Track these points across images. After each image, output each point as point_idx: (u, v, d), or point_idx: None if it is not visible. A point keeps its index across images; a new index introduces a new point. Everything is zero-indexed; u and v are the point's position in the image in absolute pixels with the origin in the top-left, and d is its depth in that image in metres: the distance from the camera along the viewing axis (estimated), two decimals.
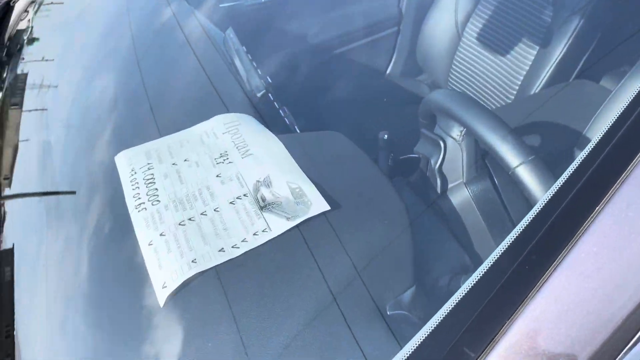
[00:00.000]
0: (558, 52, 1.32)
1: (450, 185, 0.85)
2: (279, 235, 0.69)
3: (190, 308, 0.65)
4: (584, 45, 1.24)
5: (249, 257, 0.67)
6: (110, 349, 0.67)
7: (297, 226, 0.69)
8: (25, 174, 0.97)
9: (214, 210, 0.74)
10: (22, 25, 1.46)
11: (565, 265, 0.48)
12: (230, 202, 0.75)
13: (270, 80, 1.08)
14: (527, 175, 0.69)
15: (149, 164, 0.84)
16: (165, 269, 0.67)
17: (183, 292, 0.64)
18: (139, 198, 0.78)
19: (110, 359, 0.66)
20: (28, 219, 0.90)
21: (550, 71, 1.34)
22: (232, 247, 0.68)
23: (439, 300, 0.51)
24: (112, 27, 1.32)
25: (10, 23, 1.45)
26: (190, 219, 0.73)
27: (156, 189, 0.79)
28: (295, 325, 0.61)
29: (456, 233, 0.81)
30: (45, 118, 1.12)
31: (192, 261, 0.67)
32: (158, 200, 0.77)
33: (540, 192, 0.67)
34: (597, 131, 0.55)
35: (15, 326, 0.70)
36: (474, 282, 0.50)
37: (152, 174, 0.82)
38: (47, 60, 1.37)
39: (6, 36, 1.41)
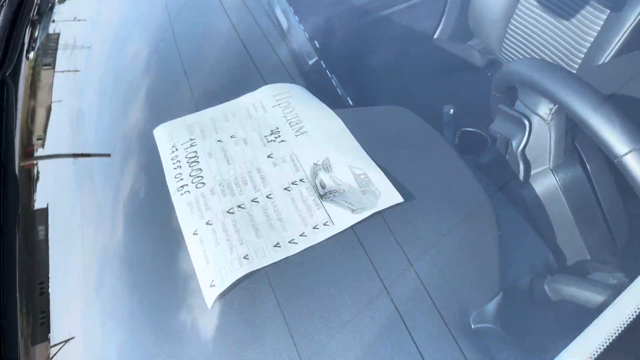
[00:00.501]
0: (633, 16, 1.16)
1: (533, 172, 0.74)
2: (342, 231, 0.59)
3: (233, 307, 0.56)
4: None
5: (307, 254, 0.58)
6: (143, 311, 0.64)
7: (363, 220, 0.59)
8: (59, 135, 0.96)
9: (267, 197, 0.65)
10: None
11: None
12: (285, 188, 0.65)
13: (318, 46, 0.97)
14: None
15: (191, 139, 0.75)
16: (213, 265, 0.59)
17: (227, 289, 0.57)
18: (181, 179, 0.70)
19: (144, 320, 0.63)
20: (62, 179, 0.88)
21: (622, 38, 1.19)
22: (289, 242, 0.59)
23: (528, 310, 0.42)
24: None
25: None
26: (239, 206, 0.64)
27: (200, 169, 0.70)
28: (360, 341, 0.52)
29: (540, 227, 0.70)
30: (78, 80, 1.09)
31: (244, 257, 0.58)
32: (203, 183, 0.68)
33: None
34: None
35: (49, 284, 0.71)
36: None
37: (195, 152, 0.73)
38: (79, 20, 1.30)
39: None
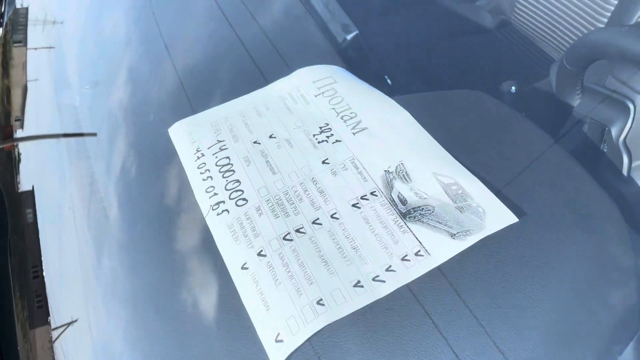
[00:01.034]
0: None
1: (635, 164, 0.61)
2: (442, 263, 0.46)
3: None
4: None
5: (399, 295, 0.45)
6: (143, 290, 0.57)
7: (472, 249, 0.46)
8: (38, 115, 0.92)
9: (331, 217, 0.51)
10: None
11: None
12: (354, 205, 0.51)
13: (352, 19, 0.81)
14: None
15: (219, 142, 0.61)
16: (278, 313, 0.45)
17: None
18: (215, 194, 0.55)
19: (143, 300, 0.56)
20: (46, 161, 0.85)
21: None
22: (374, 279, 0.46)
23: None
24: None
25: None
26: (298, 231, 0.50)
27: (238, 180, 0.56)
28: None
29: None
30: (53, 57, 1.03)
31: (318, 302, 0.45)
32: (244, 199, 0.54)
33: None
34: None
35: (43, 267, 0.68)
36: None
37: (228, 158, 0.58)
38: None
39: None
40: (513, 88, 0.76)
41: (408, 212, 0.50)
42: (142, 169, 0.69)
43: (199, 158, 0.60)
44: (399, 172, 0.53)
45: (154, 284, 0.57)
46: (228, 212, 0.54)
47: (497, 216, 0.47)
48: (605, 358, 0.42)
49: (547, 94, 0.76)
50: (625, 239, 0.46)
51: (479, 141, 0.56)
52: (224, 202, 0.55)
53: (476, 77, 0.82)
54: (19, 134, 0.91)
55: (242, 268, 0.50)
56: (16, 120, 0.93)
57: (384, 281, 0.46)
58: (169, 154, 0.64)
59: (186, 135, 0.64)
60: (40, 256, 0.69)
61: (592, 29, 1.05)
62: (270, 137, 0.61)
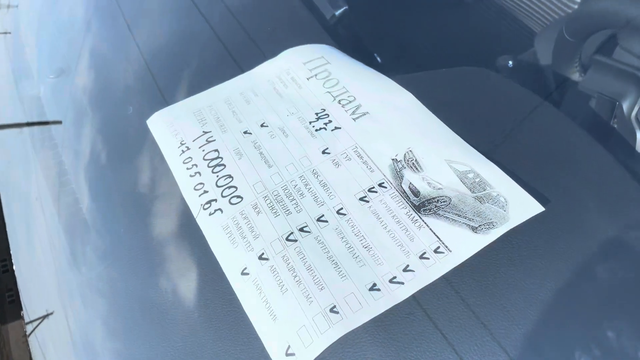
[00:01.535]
0: None
1: None
2: (465, 261, 0.42)
3: None
4: None
5: (421, 298, 0.41)
6: (125, 280, 0.53)
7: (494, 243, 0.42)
8: None
9: (337, 212, 0.46)
10: None
11: None
12: (361, 199, 0.47)
13: None
14: None
15: (205, 133, 0.55)
16: (286, 323, 0.41)
17: None
18: (206, 192, 0.50)
19: (125, 289, 0.52)
20: (9, 152, 0.81)
21: None
22: (391, 281, 0.42)
23: None
24: None
25: None
26: (302, 230, 0.45)
27: (229, 176, 0.50)
28: None
29: None
30: (10, 43, 0.98)
31: (331, 309, 0.40)
32: (239, 197, 0.49)
33: None
34: None
35: (12, 260, 0.66)
36: None
37: (217, 151, 0.53)
38: None
39: None
40: (510, 62, 0.72)
41: (422, 205, 0.45)
42: (117, 162, 0.64)
43: (183, 152, 0.55)
44: (408, 160, 0.49)
45: (140, 292, 0.51)
46: (221, 211, 0.49)
47: (521, 205, 0.43)
48: None
49: (545, 68, 0.72)
50: None
51: (489, 122, 0.51)
52: (215, 200, 0.50)
53: (468, 52, 0.77)
54: None
55: (242, 274, 0.45)
56: None
57: (402, 283, 0.41)
58: (149, 148, 0.58)
59: (167, 127, 0.58)
60: (8, 249, 0.65)
61: None
62: (262, 126, 0.55)
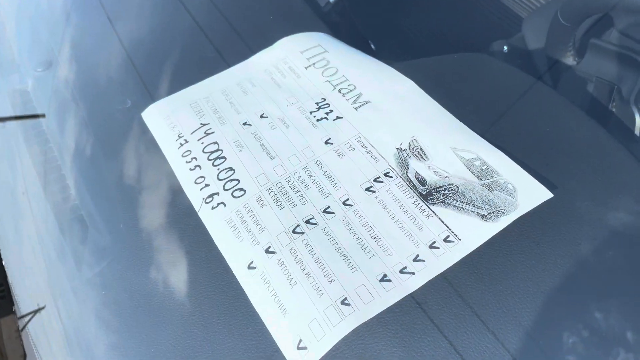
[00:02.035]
0: None
1: None
2: (475, 249, 0.42)
3: None
4: None
5: (432, 287, 0.41)
6: (116, 273, 0.52)
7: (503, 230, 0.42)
8: None
9: (344, 203, 0.46)
10: None
11: None
12: (367, 189, 0.46)
13: None
14: None
15: (204, 125, 0.54)
16: (297, 316, 0.40)
17: None
18: (207, 185, 0.49)
19: (117, 282, 0.51)
20: None
21: None
22: (401, 271, 0.41)
23: None
24: None
25: None
26: (308, 222, 0.45)
27: (231, 168, 0.49)
28: None
29: None
30: None
31: (342, 302, 0.40)
32: (242, 190, 0.48)
33: None
34: None
35: (2, 255, 0.64)
36: None
37: (216, 143, 0.52)
38: None
39: None
40: (505, 48, 0.72)
41: (429, 194, 0.45)
42: (111, 156, 0.62)
43: (182, 145, 0.54)
44: (413, 149, 0.48)
45: (143, 288, 0.50)
46: (224, 205, 0.48)
47: (529, 192, 0.43)
48: None
49: (540, 52, 0.72)
50: None
51: (491, 109, 0.51)
52: (218, 193, 0.49)
53: (464, 38, 0.77)
54: None
55: (249, 268, 0.44)
56: None
57: (413, 273, 0.41)
58: (145, 141, 0.57)
59: (163, 120, 0.57)
60: None
61: None
62: (262, 116, 0.54)
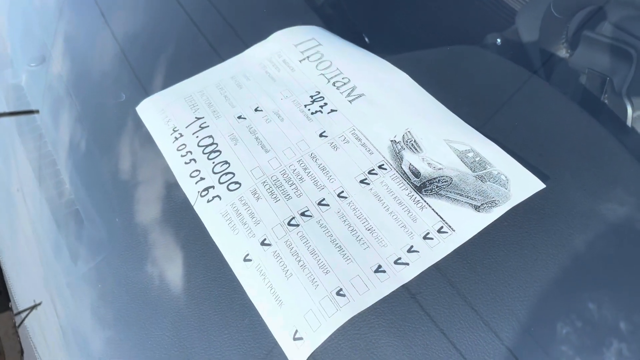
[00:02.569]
0: None
1: (636, 114, 0.59)
2: (469, 240, 0.42)
3: None
4: None
5: (425, 278, 0.41)
6: (112, 267, 0.52)
7: (496, 221, 0.42)
8: None
9: (338, 196, 0.46)
10: None
11: None
12: (362, 181, 0.47)
13: None
14: None
15: (198, 119, 0.54)
16: (293, 308, 0.41)
17: None
18: (202, 179, 0.49)
19: (113, 277, 0.51)
20: None
21: None
22: (396, 262, 0.42)
23: None
24: None
25: None
26: (303, 214, 0.45)
27: (226, 162, 0.50)
28: None
29: None
30: None
31: (337, 292, 0.40)
32: (237, 183, 0.48)
33: None
34: None
35: None
36: None
37: (211, 137, 0.52)
38: None
39: None
40: (498, 40, 0.72)
41: (423, 185, 0.45)
42: (105, 150, 0.62)
43: (177, 139, 0.54)
44: (407, 141, 0.48)
45: (139, 282, 0.51)
46: (220, 198, 0.48)
47: (522, 183, 0.44)
48: None
49: (533, 44, 0.72)
50: None
51: (484, 101, 0.51)
52: (213, 187, 0.49)
53: (457, 31, 0.77)
54: None
55: (245, 260, 0.44)
56: None
57: (407, 264, 0.42)
58: (139, 135, 0.57)
59: (158, 114, 0.57)
60: None
61: None
62: (256, 110, 0.54)
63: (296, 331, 0.40)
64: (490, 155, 0.46)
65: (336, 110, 0.52)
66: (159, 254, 0.51)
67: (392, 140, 0.49)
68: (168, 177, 0.52)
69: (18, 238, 0.66)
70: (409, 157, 0.47)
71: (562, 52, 0.72)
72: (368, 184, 0.47)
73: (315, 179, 0.48)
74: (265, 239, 0.45)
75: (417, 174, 0.46)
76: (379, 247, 0.43)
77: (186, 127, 0.54)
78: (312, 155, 0.49)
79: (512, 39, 0.77)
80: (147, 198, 0.54)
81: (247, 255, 0.45)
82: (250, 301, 0.43)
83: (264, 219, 0.46)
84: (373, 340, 0.39)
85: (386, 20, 0.78)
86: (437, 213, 0.44)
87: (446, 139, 0.48)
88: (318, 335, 0.39)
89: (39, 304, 0.59)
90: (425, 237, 0.43)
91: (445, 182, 0.45)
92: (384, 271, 0.42)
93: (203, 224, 0.48)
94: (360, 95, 0.53)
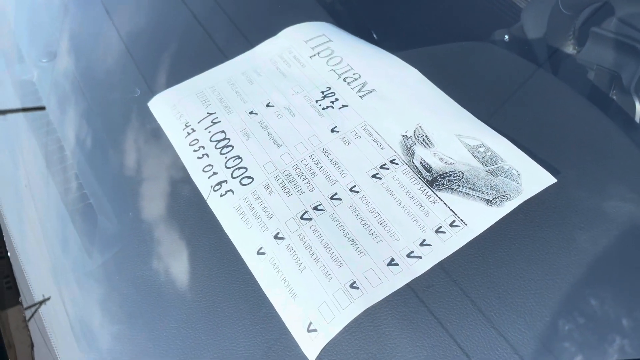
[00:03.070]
0: None
1: None
2: (481, 234, 0.43)
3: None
4: None
5: (438, 271, 0.42)
6: (119, 264, 0.53)
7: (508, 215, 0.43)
8: None
9: (350, 190, 0.47)
10: None
11: None
12: (374, 176, 0.47)
13: None
14: None
15: (210, 114, 0.55)
16: (307, 300, 0.41)
17: None
18: (215, 173, 0.50)
19: (121, 274, 0.52)
20: None
21: None
22: (408, 255, 0.42)
23: None
24: None
25: None
26: (316, 208, 0.46)
27: (238, 157, 0.50)
28: None
29: None
30: None
31: (351, 285, 0.41)
32: (250, 177, 0.49)
33: None
34: None
35: (7, 247, 0.65)
36: None
37: (224, 132, 0.52)
38: None
39: None
40: (506, 37, 0.73)
41: (435, 180, 0.46)
42: (118, 145, 0.62)
43: (189, 134, 0.54)
44: (418, 136, 0.49)
45: (154, 276, 0.51)
46: (233, 192, 0.49)
47: (533, 177, 0.44)
48: None
49: (540, 41, 0.73)
50: None
51: (495, 96, 0.52)
52: (226, 181, 0.50)
53: (467, 27, 0.77)
54: None
55: (258, 253, 0.45)
56: None
57: (420, 257, 0.42)
58: (151, 130, 0.58)
59: (170, 109, 0.57)
60: (2, 237, 0.65)
61: None
62: (268, 105, 0.55)
63: (310, 323, 0.41)
64: (501, 150, 0.46)
65: (347, 106, 0.53)
66: (172, 247, 0.51)
67: (403, 136, 0.49)
68: (180, 171, 0.53)
69: (27, 233, 0.67)
70: (421, 152, 0.48)
71: (570, 49, 0.72)
72: (380, 178, 0.47)
73: (327, 174, 0.48)
74: (278, 233, 0.45)
75: (428, 168, 0.47)
76: (392, 241, 0.43)
77: (198, 123, 0.55)
78: (324, 150, 0.50)
79: (519, 35, 0.77)
80: (160, 192, 0.55)
81: (261, 248, 0.45)
82: (263, 294, 0.44)
83: (277, 212, 0.46)
84: (387, 332, 0.40)
85: (394, 16, 0.78)
86: (449, 207, 0.44)
87: (457, 134, 0.48)
88: (332, 327, 0.40)
89: (48, 298, 0.60)
90: (437, 231, 0.43)
91: (456, 176, 0.46)
92: (396, 264, 0.42)
93: (216, 218, 0.48)
94: (371, 91, 0.54)
